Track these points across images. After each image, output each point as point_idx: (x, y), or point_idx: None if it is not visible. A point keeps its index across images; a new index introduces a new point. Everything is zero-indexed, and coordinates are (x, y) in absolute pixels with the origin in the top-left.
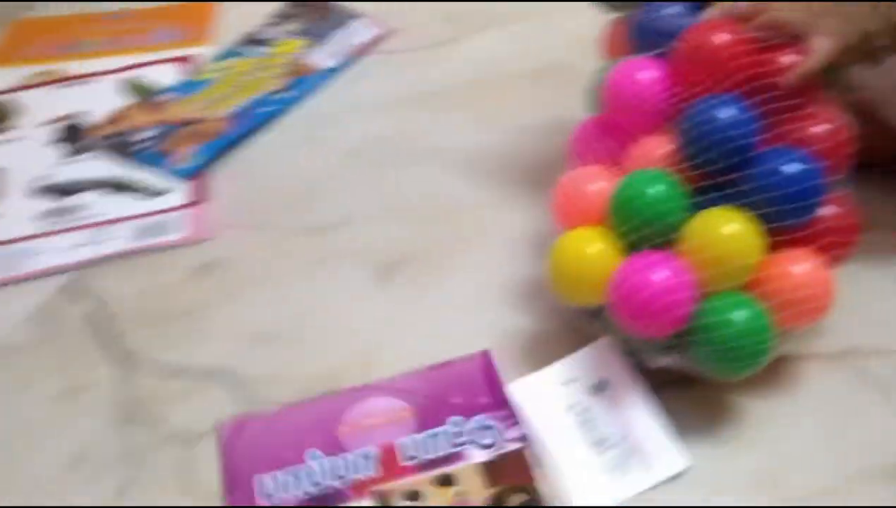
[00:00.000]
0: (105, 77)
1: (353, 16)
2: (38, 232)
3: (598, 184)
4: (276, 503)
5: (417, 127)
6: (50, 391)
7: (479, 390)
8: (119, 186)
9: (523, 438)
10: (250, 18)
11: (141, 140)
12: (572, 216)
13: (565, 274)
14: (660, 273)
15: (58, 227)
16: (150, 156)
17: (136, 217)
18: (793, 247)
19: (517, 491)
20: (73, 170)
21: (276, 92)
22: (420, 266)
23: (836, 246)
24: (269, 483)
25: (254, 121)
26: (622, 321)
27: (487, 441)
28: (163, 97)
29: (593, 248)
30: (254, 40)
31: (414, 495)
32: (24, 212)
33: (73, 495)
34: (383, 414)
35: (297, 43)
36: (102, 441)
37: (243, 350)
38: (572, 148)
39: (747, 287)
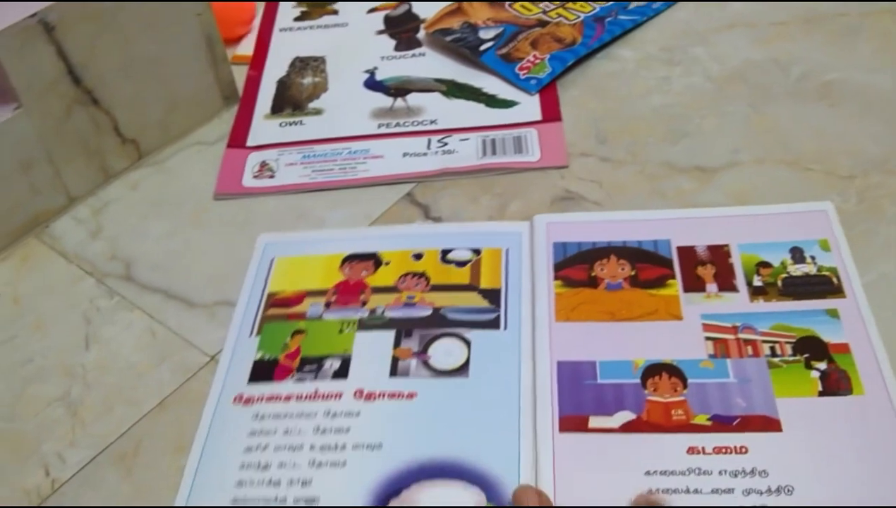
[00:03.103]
0: None
1: None
2: (370, 132)
3: None
4: None
5: (812, 56)
6: None
7: None
8: (458, 91)
9: None
10: None
11: (483, 39)
12: None
13: None
14: None
15: (391, 130)
16: (496, 60)
17: (481, 128)
18: None
19: None
20: (404, 66)
21: None
22: (849, 232)
23: None
24: None
25: (608, 31)
26: None
27: None
28: None
29: None
30: None
31: None
32: (351, 109)
33: None
34: None
35: None
36: None
37: None
38: None
39: None
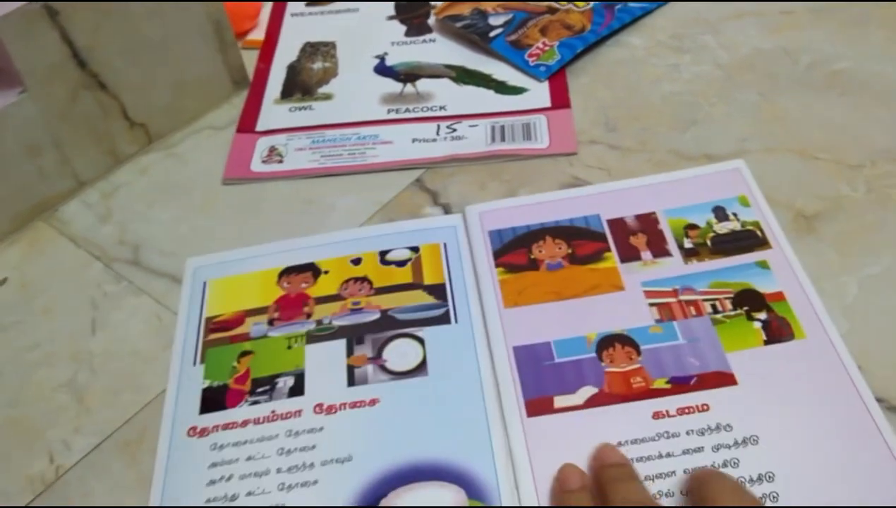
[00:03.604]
0: None
1: None
2: (380, 118)
3: None
4: None
5: (822, 45)
6: None
7: None
8: (467, 77)
9: None
10: None
11: (492, 26)
12: None
13: None
14: None
15: (400, 116)
16: (506, 47)
17: (491, 115)
18: None
19: None
20: (414, 52)
21: None
22: (851, 226)
23: None
24: None
25: (618, 18)
26: None
27: None
28: None
29: None
30: None
31: None
32: (361, 95)
33: None
34: None
35: None
36: None
37: None
38: None
39: None
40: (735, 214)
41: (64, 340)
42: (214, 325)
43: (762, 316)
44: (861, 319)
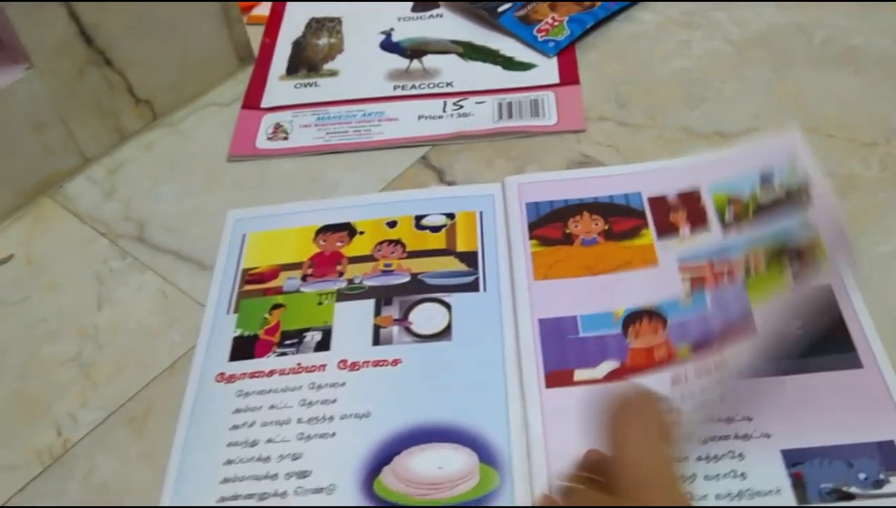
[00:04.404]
0: None
1: None
2: (386, 94)
3: None
4: None
5: (837, 21)
6: None
7: None
8: (475, 53)
9: None
10: None
11: (501, 1)
12: None
13: None
14: None
15: (407, 92)
16: (514, 22)
17: (498, 91)
18: None
19: None
20: (421, 27)
21: None
22: (863, 204)
23: None
24: None
25: None
26: None
27: None
28: None
29: None
30: None
31: None
32: (367, 71)
33: None
34: None
35: None
36: None
37: None
38: None
39: None
40: (781, 183)
41: (70, 316)
42: (250, 277)
43: (795, 263)
44: (872, 297)
